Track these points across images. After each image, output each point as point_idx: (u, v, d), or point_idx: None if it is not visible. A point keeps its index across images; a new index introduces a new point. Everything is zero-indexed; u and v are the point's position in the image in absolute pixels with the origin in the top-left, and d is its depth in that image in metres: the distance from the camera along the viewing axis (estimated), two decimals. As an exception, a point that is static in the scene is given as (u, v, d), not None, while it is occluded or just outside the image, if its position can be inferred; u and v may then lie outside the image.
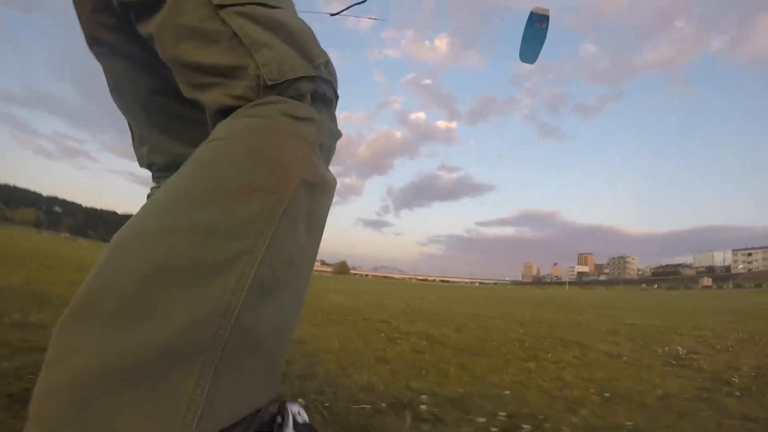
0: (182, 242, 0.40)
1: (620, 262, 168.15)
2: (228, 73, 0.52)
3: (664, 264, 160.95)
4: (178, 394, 0.36)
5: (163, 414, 0.35)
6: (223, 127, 0.50)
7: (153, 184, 0.88)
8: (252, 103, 0.51)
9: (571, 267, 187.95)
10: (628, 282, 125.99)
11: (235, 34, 0.51)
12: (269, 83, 0.51)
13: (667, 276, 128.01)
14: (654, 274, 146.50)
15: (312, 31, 0.59)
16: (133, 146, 0.84)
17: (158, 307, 0.37)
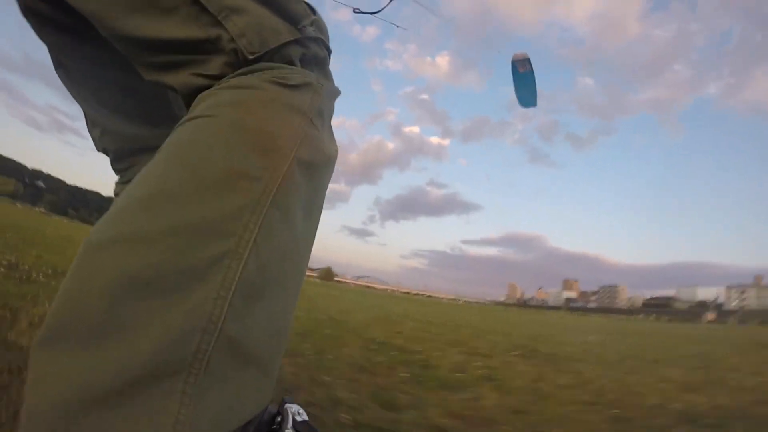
0: (156, 248, 0.36)
1: (611, 290, 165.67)
2: (195, 48, 0.44)
3: (652, 296, 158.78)
4: (161, 415, 0.33)
5: None
6: (203, 102, 0.44)
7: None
8: (238, 72, 0.45)
9: (559, 291, 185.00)
10: (619, 311, 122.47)
11: (198, 2, 0.43)
12: (250, 57, 0.44)
13: (658, 308, 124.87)
14: (645, 305, 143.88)
15: None
16: (87, 127, 0.75)
17: (133, 324, 0.34)
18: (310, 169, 0.45)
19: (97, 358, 0.33)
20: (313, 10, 0.53)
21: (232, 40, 0.44)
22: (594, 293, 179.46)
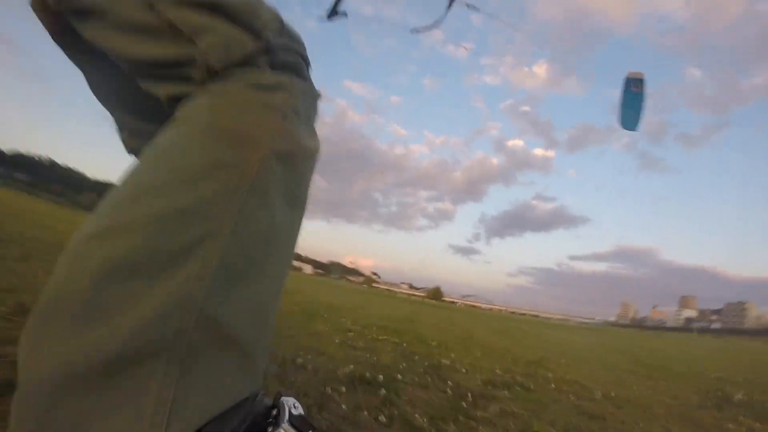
0: (138, 234, 0.38)
1: (737, 308, 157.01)
2: (177, 64, 0.50)
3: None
4: (143, 394, 0.35)
5: (130, 416, 0.34)
6: (184, 108, 0.49)
7: None
8: (215, 79, 0.49)
9: (678, 310, 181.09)
10: (750, 332, 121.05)
11: (173, 24, 0.49)
12: (218, 68, 0.49)
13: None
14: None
15: (254, 1, 0.54)
16: (118, 133, 0.80)
17: (116, 305, 0.36)
18: (288, 161, 0.48)
19: (80, 340, 0.34)
20: (280, 21, 0.56)
21: (203, 55, 0.48)
22: (714, 311, 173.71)
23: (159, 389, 0.35)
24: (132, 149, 0.79)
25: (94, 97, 0.74)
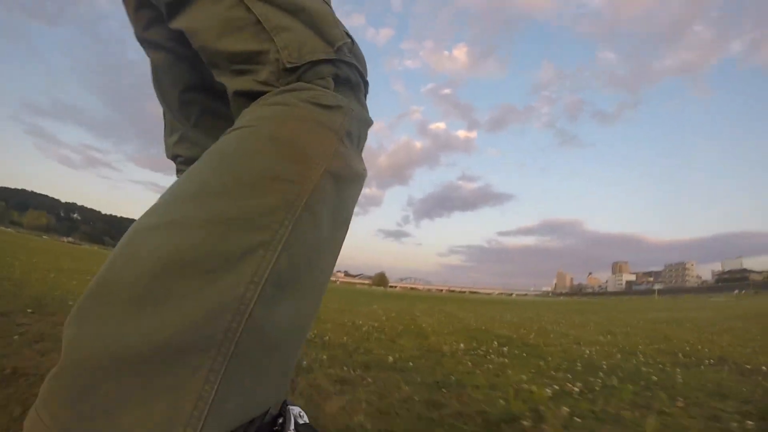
0: (198, 233, 0.39)
1: (678, 268, 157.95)
2: (252, 58, 0.52)
3: (726, 270, 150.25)
4: (185, 388, 0.35)
5: (168, 409, 0.34)
6: (247, 115, 0.51)
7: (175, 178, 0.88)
8: (277, 90, 0.51)
9: (617, 275, 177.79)
10: (695, 290, 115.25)
11: (258, 21, 0.52)
12: (288, 66, 0.51)
13: (734, 282, 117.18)
14: (718, 280, 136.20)
15: (332, 13, 0.59)
16: (164, 134, 0.85)
17: (170, 297, 0.36)
18: (339, 182, 0.49)
19: (132, 325, 0.35)
20: (351, 39, 0.58)
21: (278, 51, 0.51)
22: (647, 273, 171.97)
23: (202, 385, 0.35)
24: (174, 155, 0.83)
25: (156, 95, 0.78)
